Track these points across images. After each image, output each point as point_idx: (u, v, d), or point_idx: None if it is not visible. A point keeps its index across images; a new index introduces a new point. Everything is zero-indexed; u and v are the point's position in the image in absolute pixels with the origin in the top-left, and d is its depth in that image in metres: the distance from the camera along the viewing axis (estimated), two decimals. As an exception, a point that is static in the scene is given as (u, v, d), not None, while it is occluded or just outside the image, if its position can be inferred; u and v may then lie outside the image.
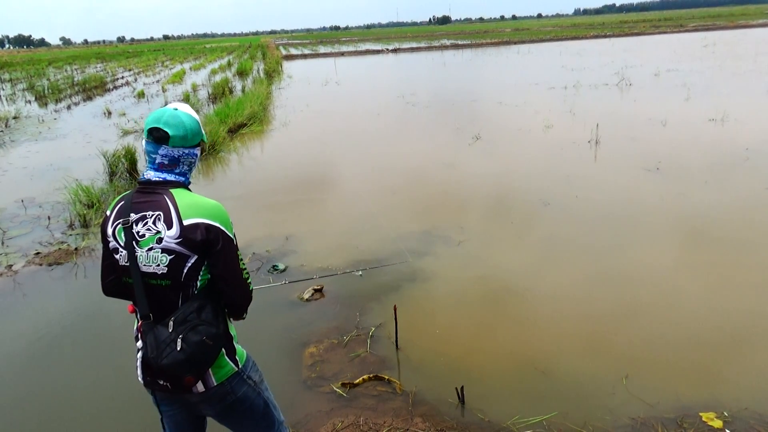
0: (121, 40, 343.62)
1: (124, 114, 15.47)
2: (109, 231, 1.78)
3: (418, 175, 7.99)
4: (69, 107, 18.11)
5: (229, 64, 33.28)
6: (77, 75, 31.59)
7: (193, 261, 1.73)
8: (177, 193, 1.76)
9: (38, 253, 5.66)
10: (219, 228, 1.73)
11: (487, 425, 2.98)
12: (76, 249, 5.71)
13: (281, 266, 5.03)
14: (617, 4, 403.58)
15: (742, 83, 15.07)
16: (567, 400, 3.13)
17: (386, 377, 3.39)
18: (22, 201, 7.42)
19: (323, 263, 5.09)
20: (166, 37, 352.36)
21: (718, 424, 2.89)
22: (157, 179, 1.78)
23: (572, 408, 3.07)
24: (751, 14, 75.10)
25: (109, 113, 15.70)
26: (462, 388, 3.14)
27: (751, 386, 3.19)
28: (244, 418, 1.97)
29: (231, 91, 18.60)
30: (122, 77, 29.71)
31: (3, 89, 25.85)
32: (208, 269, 1.79)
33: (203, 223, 1.71)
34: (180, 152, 1.80)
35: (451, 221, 5.98)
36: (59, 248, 5.75)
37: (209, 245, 1.72)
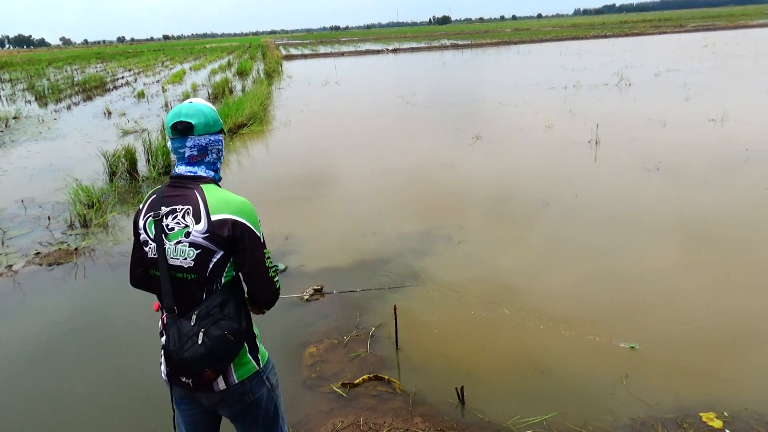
0: (121, 40, 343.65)
1: (124, 114, 15.47)
2: (141, 223, 1.82)
3: (418, 175, 7.99)
4: (69, 107, 18.11)
5: (229, 64, 33.28)
6: (77, 75, 31.59)
7: (219, 256, 1.74)
8: (207, 188, 1.79)
9: (38, 253, 5.66)
10: (246, 225, 1.75)
11: (487, 425, 2.98)
12: (76, 249, 5.71)
13: (281, 266, 5.03)
14: (617, 5, 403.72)
15: (742, 83, 15.08)
16: (567, 400, 3.13)
17: (386, 377, 3.39)
18: (22, 201, 7.42)
19: (323, 263, 5.09)
20: (166, 37, 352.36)
21: (718, 424, 2.89)
22: (189, 174, 1.82)
23: (572, 408, 3.07)
24: (751, 14, 75.13)
25: (109, 113, 15.70)
26: (462, 388, 3.14)
27: (751, 386, 3.19)
28: (255, 423, 1.96)
29: (231, 91, 18.62)
30: (122, 77, 29.72)
31: (3, 89, 25.86)
32: (234, 266, 1.80)
33: (230, 219, 1.73)
34: (206, 140, 1.83)
35: (451, 221, 5.98)
36: (59, 248, 5.75)
37: (235, 242, 1.74)
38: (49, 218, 6.66)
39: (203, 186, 1.79)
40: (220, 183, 1.90)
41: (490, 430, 2.95)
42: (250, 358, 1.86)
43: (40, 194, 7.75)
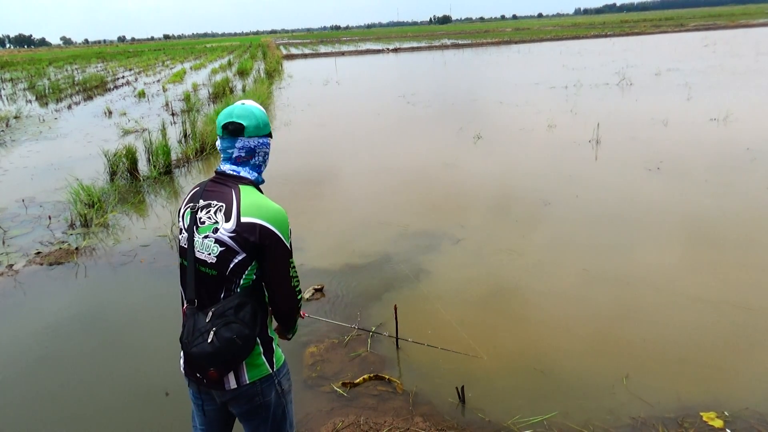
0: (121, 39, 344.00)
1: (125, 114, 15.48)
2: (181, 212, 1.88)
3: (419, 174, 7.99)
4: (70, 107, 18.11)
5: (230, 64, 33.27)
6: (78, 74, 31.60)
7: (240, 258, 1.74)
8: (245, 190, 1.81)
9: (39, 252, 5.67)
10: (274, 232, 1.76)
11: (487, 425, 2.98)
12: (76, 249, 5.71)
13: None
14: (618, 4, 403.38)
15: (743, 83, 15.06)
16: (567, 400, 3.13)
17: (387, 377, 3.39)
18: (23, 201, 7.42)
19: (324, 262, 5.09)
20: (166, 37, 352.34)
21: (718, 423, 2.89)
22: (232, 173, 1.85)
23: (573, 408, 3.07)
24: (751, 14, 74.97)
25: (110, 113, 15.70)
26: (462, 387, 3.14)
27: (751, 386, 3.19)
28: (262, 425, 1.96)
29: (232, 91, 18.60)
30: (123, 77, 29.72)
31: (4, 89, 25.87)
32: (256, 271, 1.80)
33: (259, 224, 1.74)
34: (255, 142, 1.86)
35: (451, 220, 5.97)
36: (60, 248, 5.75)
37: (262, 248, 1.75)
38: (49, 218, 6.66)
39: (242, 187, 1.81)
40: (261, 186, 1.92)
41: (490, 429, 2.95)
42: (264, 360, 1.86)
43: (41, 194, 7.75)
